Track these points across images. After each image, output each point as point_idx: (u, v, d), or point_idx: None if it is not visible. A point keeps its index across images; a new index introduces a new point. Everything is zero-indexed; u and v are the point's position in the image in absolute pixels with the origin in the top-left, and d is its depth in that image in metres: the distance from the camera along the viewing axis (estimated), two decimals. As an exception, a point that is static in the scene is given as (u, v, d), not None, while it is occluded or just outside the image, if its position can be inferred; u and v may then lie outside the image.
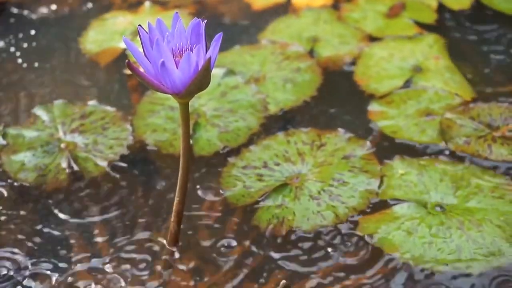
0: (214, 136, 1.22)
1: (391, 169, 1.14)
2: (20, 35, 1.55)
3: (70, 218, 1.10)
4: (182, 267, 1.02)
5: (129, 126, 1.25)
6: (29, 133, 1.23)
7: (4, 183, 1.16)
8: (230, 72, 1.33)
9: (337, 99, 1.32)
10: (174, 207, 0.99)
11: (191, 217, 1.09)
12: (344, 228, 1.06)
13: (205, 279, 1.00)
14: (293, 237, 1.05)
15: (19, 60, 1.47)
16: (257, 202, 1.10)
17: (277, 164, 1.15)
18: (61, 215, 1.11)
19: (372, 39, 1.47)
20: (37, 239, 1.07)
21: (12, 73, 1.44)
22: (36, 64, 1.46)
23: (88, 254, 1.04)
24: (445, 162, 1.15)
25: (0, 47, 1.51)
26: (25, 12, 1.63)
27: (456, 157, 1.16)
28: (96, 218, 1.10)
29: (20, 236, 1.07)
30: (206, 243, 1.05)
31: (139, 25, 0.86)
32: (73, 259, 1.04)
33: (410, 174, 1.12)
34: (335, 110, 1.30)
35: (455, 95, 1.29)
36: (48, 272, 1.02)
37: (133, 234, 1.07)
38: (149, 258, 1.03)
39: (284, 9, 1.60)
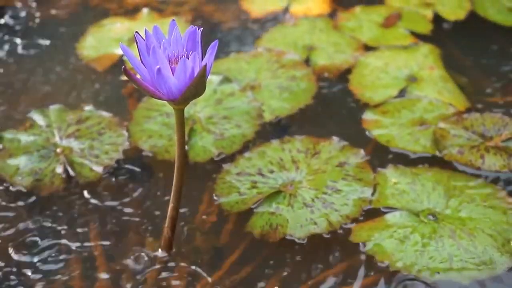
0: (209, 143, 1.22)
1: (384, 177, 1.15)
2: (18, 40, 1.56)
3: (64, 223, 1.10)
4: (175, 272, 1.02)
5: (125, 131, 1.25)
6: (25, 138, 1.23)
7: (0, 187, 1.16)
8: (226, 79, 1.34)
9: (332, 108, 1.33)
10: (168, 213, 1.00)
11: (185, 223, 1.10)
12: (337, 235, 1.07)
13: (199, 285, 1.00)
14: (286, 244, 1.06)
15: (16, 65, 1.48)
16: (251, 208, 1.11)
17: (272, 172, 1.16)
18: (56, 219, 1.11)
19: (368, 48, 1.48)
20: (31, 244, 1.07)
21: (9, 77, 1.44)
22: (33, 69, 1.46)
23: (82, 259, 1.05)
24: (438, 171, 1.15)
25: (-2, 52, 1.52)
26: (23, 17, 1.63)
27: (449, 167, 1.17)
28: (91, 223, 1.10)
29: (14, 240, 1.08)
30: (200, 249, 1.06)
31: (136, 31, 0.86)
32: (67, 264, 1.04)
33: (403, 183, 1.13)
34: (330, 119, 1.31)
35: (449, 105, 1.30)
36: (41, 277, 1.02)
37: (127, 239, 1.08)
38: (143, 263, 1.04)
39: (281, 18, 1.61)
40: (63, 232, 1.09)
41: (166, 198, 1.14)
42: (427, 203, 1.10)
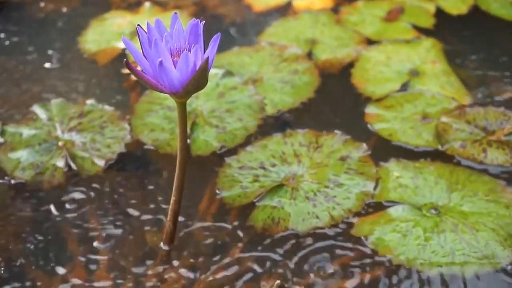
0: (211, 136, 1.22)
1: (386, 171, 1.15)
2: (20, 34, 1.55)
3: (66, 216, 1.10)
4: (177, 266, 1.02)
5: (127, 125, 1.25)
6: (27, 131, 1.23)
7: (1, 181, 1.16)
8: (229, 73, 1.34)
9: (334, 101, 1.33)
10: (170, 206, 1.00)
11: (187, 217, 1.10)
12: (339, 229, 1.07)
13: (200, 279, 1.00)
14: (288, 237, 1.06)
15: (18, 59, 1.48)
16: (253, 202, 1.11)
17: (274, 165, 1.16)
18: (58, 213, 1.11)
19: (370, 42, 1.48)
20: (33, 237, 1.07)
21: (11, 71, 1.44)
22: (35, 63, 1.46)
23: (84, 252, 1.05)
24: (441, 165, 1.15)
25: None
26: (25, 11, 1.63)
27: (451, 161, 1.17)
28: (92, 216, 1.10)
29: (16, 234, 1.08)
30: (202, 243, 1.06)
31: (138, 25, 0.86)
32: (69, 257, 1.04)
33: (405, 177, 1.13)
34: (332, 112, 1.31)
35: (452, 99, 1.29)
36: (44, 270, 1.02)
37: (129, 232, 1.08)
38: (144, 257, 1.04)
39: (284, 11, 1.61)
40: (64, 226, 1.09)
41: (168, 191, 1.14)
42: (429, 197, 1.09)
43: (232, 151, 1.20)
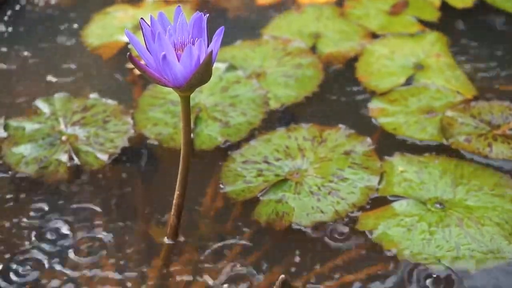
0: (215, 131, 1.22)
1: (391, 166, 1.14)
2: (22, 28, 1.55)
3: (70, 211, 1.10)
4: (181, 260, 1.02)
5: (130, 119, 1.25)
6: (30, 126, 1.23)
7: (5, 175, 1.16)
8: (232, 67, 1.33)
9: (338, 96, 1.32)
10: (174, 201, 1.00)
11: (191, 211, 1.09)
12: (343, 224, 1.06)
13: (204, 273, 1.00)
14: (292, 232, 1.05)
15: (21, 53, 1.47)
16: (257, 197, 1.10)
17: (278, 159, 1.15)
18: (61, 208, 1.11)
19: (374, 36, 1.47)
20: (37, 231, 1.07)
21: (13, 65, 1.44)
22: (38, 57, 1.46)
23: (87, 247, 1.04)
24: (445, 159, 1.15)
25: (1, 39, 1.52)
26: (27, 5, 1.63)
27: (456, 155, 1.17)
28: (96, 211, 1.10)
29: (20, 228, 1.07)
30: (206, 237, 1.05)
31: (141, 18, 0.86)
32: (72, 251, 1.04)
33: (410, 171, 1.12)
34: (336, 106, 1.30)
35: (457, 93, 1.29)
36: (47, 264, 1.02)
37: (132, 227, 1.07)
38: (148, 251, 1.04)
39: (287, 5, 1.60)
40: (67, 220, 1.09)
41: (172, 186, 1.13)
42: (434, 191, 1.09)
43: (236, 146, 1.20)
